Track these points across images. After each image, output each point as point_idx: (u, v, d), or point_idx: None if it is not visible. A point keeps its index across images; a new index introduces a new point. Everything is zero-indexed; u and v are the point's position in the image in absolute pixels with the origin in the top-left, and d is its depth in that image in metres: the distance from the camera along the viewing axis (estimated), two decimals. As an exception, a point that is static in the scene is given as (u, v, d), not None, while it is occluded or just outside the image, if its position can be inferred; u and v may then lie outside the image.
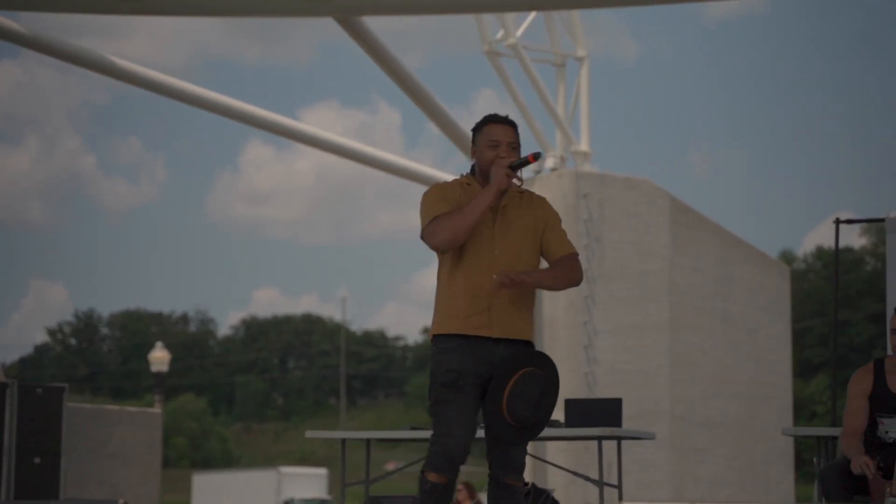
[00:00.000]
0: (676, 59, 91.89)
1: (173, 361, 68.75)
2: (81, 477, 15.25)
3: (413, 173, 16.37)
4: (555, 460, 15.33)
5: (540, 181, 16.76)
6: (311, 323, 70.54)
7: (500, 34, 16.37)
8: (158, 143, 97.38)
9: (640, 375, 16.04)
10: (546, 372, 4.80)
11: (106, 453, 15.95)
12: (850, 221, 9.12)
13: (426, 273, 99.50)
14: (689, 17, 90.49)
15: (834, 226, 8.61)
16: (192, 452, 59.44)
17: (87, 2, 11.64)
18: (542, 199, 5.06)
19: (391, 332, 75.30)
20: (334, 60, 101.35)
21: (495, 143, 4.90)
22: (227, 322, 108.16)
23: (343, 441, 8.17)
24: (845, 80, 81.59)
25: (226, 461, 58.64)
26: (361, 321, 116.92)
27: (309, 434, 8.25)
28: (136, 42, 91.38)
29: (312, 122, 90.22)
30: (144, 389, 61.89)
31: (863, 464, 5.85)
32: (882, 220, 8.70)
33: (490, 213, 4.86)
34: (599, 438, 7.67)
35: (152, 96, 14.84)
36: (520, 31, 16.32)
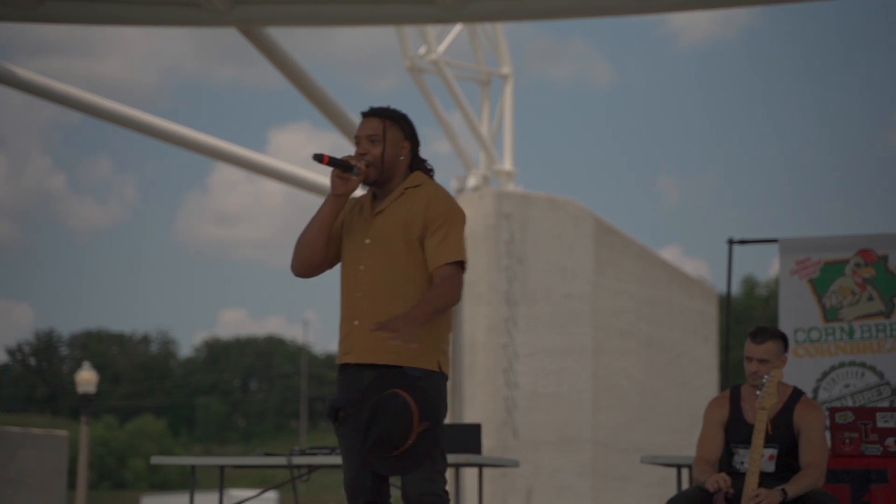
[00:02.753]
0: (649, 86, 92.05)
1: (134, 383, 67.99)
2: (-21, 501, 14.75)
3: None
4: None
5: (461, 201, 16.46)
6: (273, 345, 70.16)
7: (422, 49, 16.08)
8: (129, 164, 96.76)
9: (563, 400, 15.70)
10: (386, 394, 4.16)
11: (6, 477, 15.39)
12: (743, 242, 8.93)
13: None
14: (662, 44, 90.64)
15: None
16: (150, 475, 58.87)
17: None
18: (428, 193, 4.28)
19: (355, 355, 75.02)
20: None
21: (356, 139, 4.33)
22: (191, 343, 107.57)
23: (192, 468, 7.86)
24: (818, 102, 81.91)
25: (184, 484, 58.07)
26: (326, 343, 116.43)
27: (154, 460, 7.89)
28: (109, 61, 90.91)
29: (284, 143, 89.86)
30: (105, 410, 61.37)
31: (719, 479, 5.64)
32: (775, 240, 8.54)
33: (362, 222, 4.30)
34: (457, 466, 7.32)
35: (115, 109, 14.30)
36: (442, 47, 16.02)
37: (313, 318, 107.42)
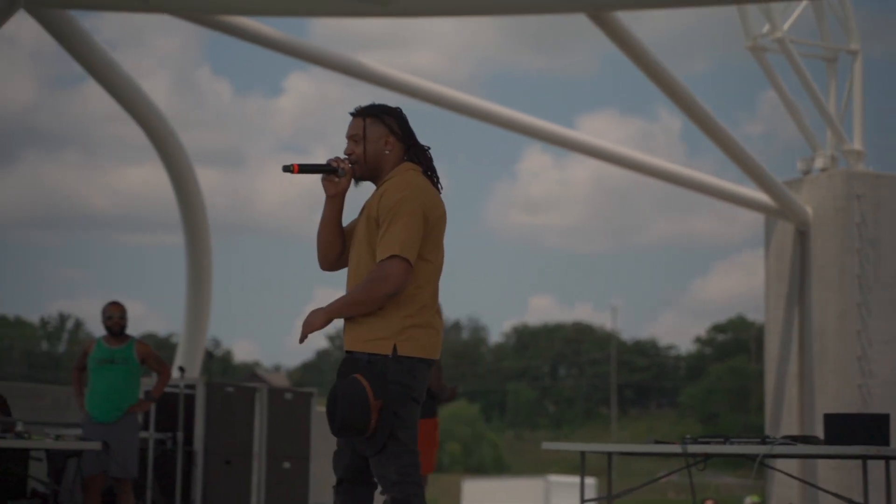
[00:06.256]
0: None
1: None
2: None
3: (692, 181, 15.70)
4: (833, 479, 14.42)
5: (809, 182, 15.91)
6: (581, 331, 70.28)
7: (765, 28, 15.63)
8: (438, 154, 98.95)
9: (922, 390, 14.95)
10: (342, 381, 4.46)
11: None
12: None
13: (703, 282, 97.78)
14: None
15: None
16: (464, 458, 60.11)
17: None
18: (385, 190, 4.54)
19: (663, 342, 74.27)
20: (615, 71, 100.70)
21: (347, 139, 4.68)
22: (501, 330, 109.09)
23: (582, 454, 7.85)
24: None
25: (497, 468, 58.99)
26: (635, 330, 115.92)
27: (545, 446, 7.94)
28: (423, 55, 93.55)
29: (591, 131, 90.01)
30: (419, 395, 62.86)
31: None
32: None
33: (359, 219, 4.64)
34: (864, 458, 6.99)
35: (432, 108, 15.05)
36: (787, 25, 15.54)
37: (621, 305, 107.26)
